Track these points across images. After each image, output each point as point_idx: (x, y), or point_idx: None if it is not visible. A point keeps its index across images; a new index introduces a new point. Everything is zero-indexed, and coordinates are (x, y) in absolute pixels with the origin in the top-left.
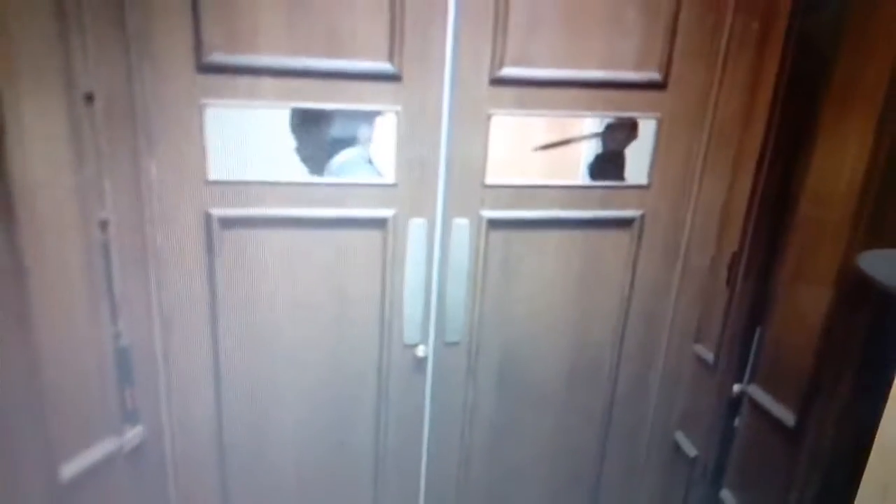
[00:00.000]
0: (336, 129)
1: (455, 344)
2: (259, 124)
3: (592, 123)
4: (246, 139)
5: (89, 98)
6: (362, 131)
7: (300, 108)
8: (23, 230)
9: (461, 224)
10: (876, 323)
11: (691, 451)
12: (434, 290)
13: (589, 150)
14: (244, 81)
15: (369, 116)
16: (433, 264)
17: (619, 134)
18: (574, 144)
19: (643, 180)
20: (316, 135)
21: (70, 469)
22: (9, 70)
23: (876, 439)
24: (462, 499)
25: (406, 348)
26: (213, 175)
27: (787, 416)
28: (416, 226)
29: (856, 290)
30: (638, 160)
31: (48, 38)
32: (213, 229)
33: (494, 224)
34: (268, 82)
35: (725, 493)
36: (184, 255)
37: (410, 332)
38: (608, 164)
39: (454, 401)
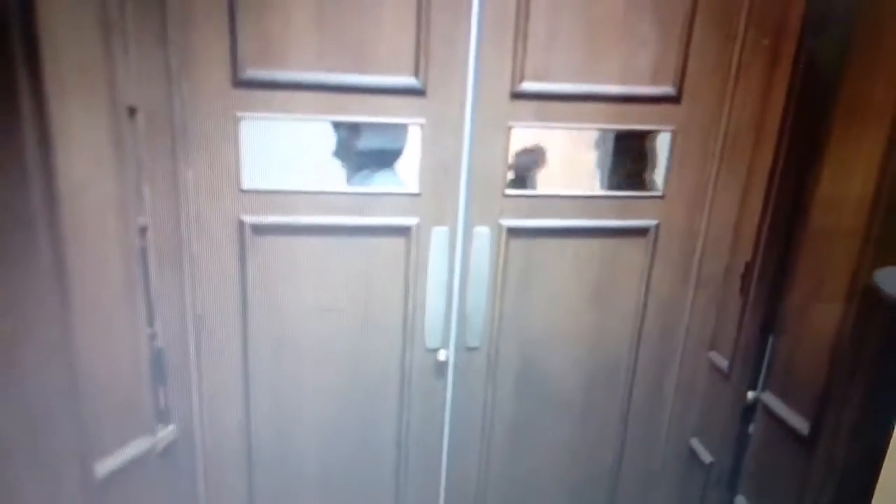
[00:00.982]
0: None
1: (475, 349)
2: (290, 136)
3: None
4: (278, 150)
5: (132, 111)
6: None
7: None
8: (66, 234)
9: (482, 232)
10: (889, 332)
11: (707, 457)
12: (455, 296)
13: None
14: (277, 95)
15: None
16: (454, 271)
17: (528, 160)
18: (586, 157)
19: (658, 191)
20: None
21: (105, 466)
22: (58, 81)
23: (890, 447)
24: (481, 499)
25: (428, 352)
26: (246, 184)
27: (801, 424)
28: (439, 234)
29: (869, 301)
30: (653, 171)
31: (94, 53)
32: (245, 236)
33: (514, 232)
34: (299, 96)
35: (740, 500)
36: (217, 261)
37: (432, 337)
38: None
39: (474, 404)
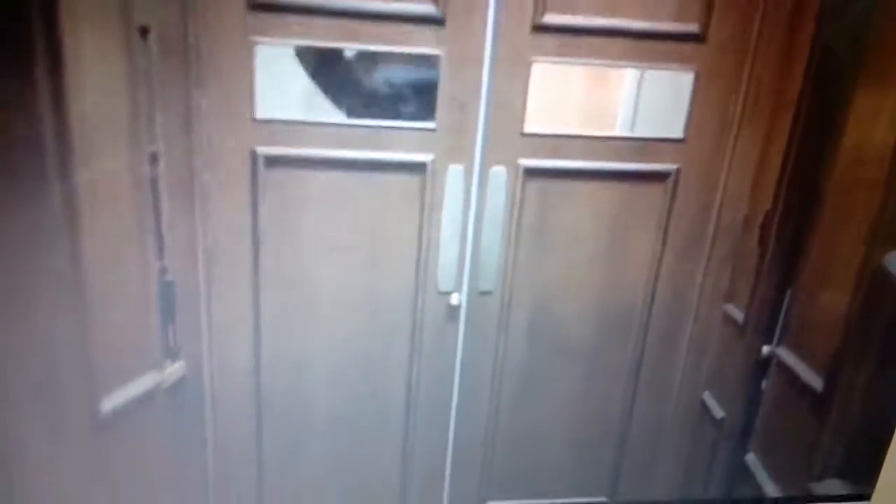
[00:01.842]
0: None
1: (488, 293)
2: (306, 64)
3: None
4: (293, 78)
5: (144, 31)
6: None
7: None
8: (76, 160)
9: (498, 172)
10: None
11: (718, 412)
12: (469, 237)
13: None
14: (293, 20)
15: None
16: (469, 212)
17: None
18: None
19: (679, 134)
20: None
21: (111, 402)
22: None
23: None
24: (490, 448)
25: (440, 295)
26: (260, 113)
27: (814, 380)
28: (454, 172)
29: (879, 283)
30: (675, 113)
31: None
32: (258, 168)
33: (531, 173)
34: (316, 22)
35: (751, 457)
36: (229, 193)
37: (445, 280)
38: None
39: (485, 350)
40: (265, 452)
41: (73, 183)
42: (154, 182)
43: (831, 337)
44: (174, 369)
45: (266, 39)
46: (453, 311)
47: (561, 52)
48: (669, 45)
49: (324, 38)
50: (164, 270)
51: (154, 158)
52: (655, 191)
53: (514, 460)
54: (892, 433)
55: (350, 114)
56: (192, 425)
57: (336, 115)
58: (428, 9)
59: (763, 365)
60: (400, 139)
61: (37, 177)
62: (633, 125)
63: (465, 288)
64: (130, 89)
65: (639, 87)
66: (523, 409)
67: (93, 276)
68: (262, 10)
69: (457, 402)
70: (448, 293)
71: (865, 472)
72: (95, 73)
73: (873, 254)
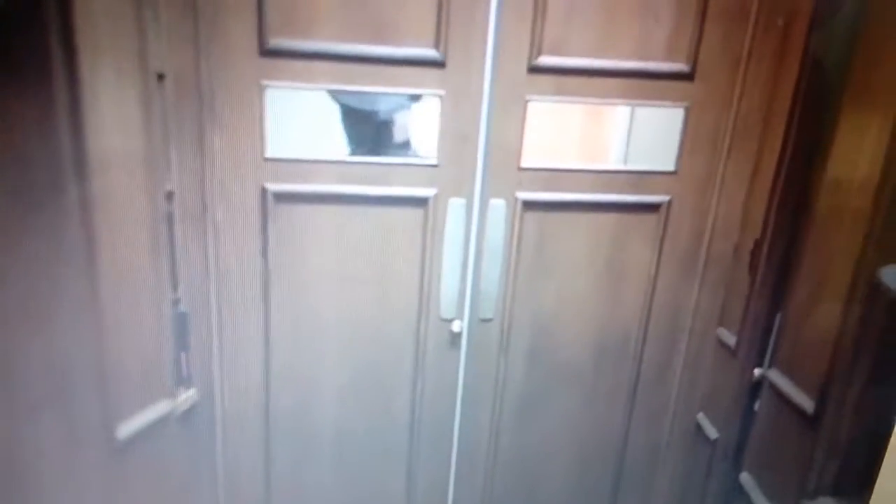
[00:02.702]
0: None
1: (489, 320)
2: (314, 105)
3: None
4: (301, 119)
5: (160, 77)
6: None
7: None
8: (95, 198)
9: (498, 204)
10: (892, 322)
11: (713, 433)
12: (470, 267)
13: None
14: (301, 65)
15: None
16: (470, 243)
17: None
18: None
19: (671, 167)
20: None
21: (126, 429)
22: (90, 47)
23: None
24: (491, 467)
25: (442, 323)
26: (269, 152)
27: (806, 402)
28: (456, 205)
29: (873, 296)
30: (666, 146)
31: (126, 20)
32: (268, 203)
33: (529, 205)
34: (323, 66)
35: (745, 476)
36: (241, 227)
37: (447, 308)
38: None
39: (486, 375)
40: (274, 473)
41: (91, 218)
42: (169, 217)
43: (820, 359)
44: (187, 396)
45: (275, 83)
46: (455, 337)
47: (556, 91)
48: (660, 83)
49: (331, 80)
50: (177, 301)
51: (169, 195)
52: (649, 221)
53: (514, 480)
54: (885, 449)
55: (355, 151)
56: (203, 449)
57: (342, 153)
58: (429, 52)
59: (755, 387)
60: (403, 175)
61: (57, 211)
62: (625, 158)
63: (466, 315)
64: (147, 130)
65: (631, 122)
66: (523, 431)
67: (109, 307)
68: (271, 55)
69: (459, 424)
70: (450, 320)
71: (858, 488)
72: (114, 114)
73: (863, 272)
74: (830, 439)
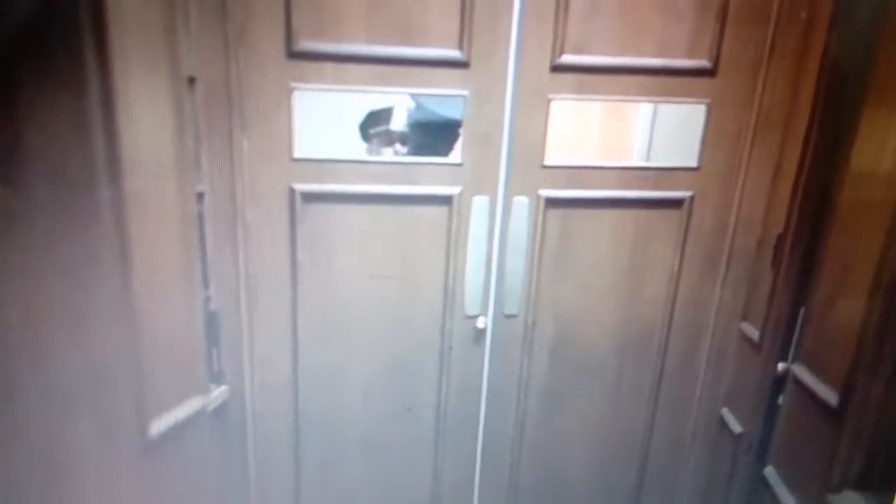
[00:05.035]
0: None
1: (513, 316)
2: (341, 106)
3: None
4: (328, 120)
5: (191, 81)
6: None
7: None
8: (128, 200)
9: (521, 202)
10: None
11: (737, 427)
12: (494, 264)
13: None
14: (329, 67)
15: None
16: (494, 240)
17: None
18: (629, 126)
19: (693, 163)
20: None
21: (159, 426)
22: (123, 52)
23: None
24: (516, 462)
25: (467, 319)
26: (297, 153)
27: (830, 396)
28: (480, 203)
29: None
30: (689, 143)
31: (158, 25)
32: (296, 203)
33: (552, 202)
34: (350, 68)
35: (769, 470)
36: (270, 227)
37: (472, 304)
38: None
39: (511, 370)
40: (303, 468)
41: (124, 219)
42: (200, 217)
43: (845, 353)
44: (218, 393)
45: (303, 85)
46: (479, 333)
47: (578, 90)
48: (682, 80)
49: (357, 82)
50: (208, 300)
51: (200, 196)
52: (671, 216)
53: (539, 473)
54: None
55: (382, 151)
56: (234, 445)
57: (369, 154)
58: (454, 53)
59: (779, 381)
60: (428, 174)
61: (91, 214)
62: (648, 155)
63: (490, 311)
64: (178, 133)
65: (653, 119)
66: (547, 426)
67: (143, 306)
68: (299, 58)
69: (484, 419)
70: (474, 317)
71: (883, 482)
72: (146, 118)
73: (887, 265)
74: (855, 433)
